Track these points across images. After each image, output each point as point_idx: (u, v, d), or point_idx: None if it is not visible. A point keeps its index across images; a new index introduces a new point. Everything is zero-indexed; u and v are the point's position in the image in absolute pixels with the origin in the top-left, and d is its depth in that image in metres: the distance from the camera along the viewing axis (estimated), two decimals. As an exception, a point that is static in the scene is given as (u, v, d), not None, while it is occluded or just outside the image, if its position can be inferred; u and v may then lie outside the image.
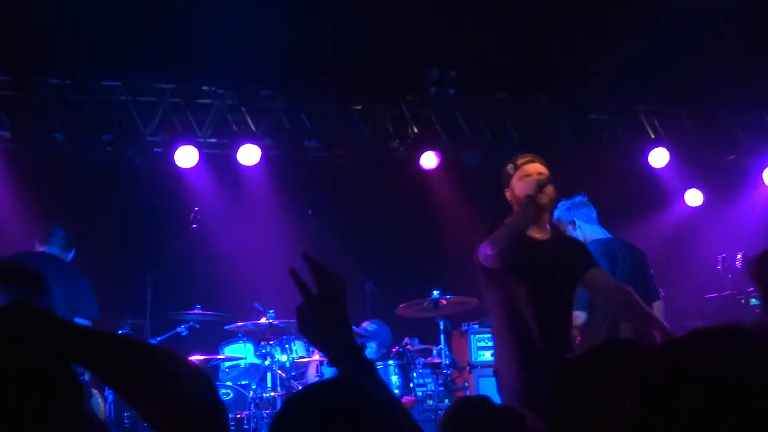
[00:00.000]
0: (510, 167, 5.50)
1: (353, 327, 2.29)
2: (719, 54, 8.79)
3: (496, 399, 4.75)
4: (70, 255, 7.36)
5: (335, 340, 2.14)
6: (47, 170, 9.14)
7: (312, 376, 8.27)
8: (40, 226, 7.46)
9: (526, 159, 5.53)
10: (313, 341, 2.23)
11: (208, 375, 1.85)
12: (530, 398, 4.91)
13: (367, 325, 8.81)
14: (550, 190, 5.42)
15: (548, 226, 5.55)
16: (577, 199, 7.01)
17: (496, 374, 5.47)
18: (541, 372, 5.15)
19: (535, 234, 5.44)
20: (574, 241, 5.91)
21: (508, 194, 5.49)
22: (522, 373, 5.26)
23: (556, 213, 6.94)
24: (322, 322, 2.15)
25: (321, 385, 2.07)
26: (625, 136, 10.38)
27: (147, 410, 1.73)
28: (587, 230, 6.91)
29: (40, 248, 7.26)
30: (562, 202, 6.97)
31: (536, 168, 5.47)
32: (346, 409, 1.90)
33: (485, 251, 5.23)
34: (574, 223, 6.94)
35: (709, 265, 9.23)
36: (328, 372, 8.30)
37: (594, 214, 7.01)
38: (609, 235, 6.96)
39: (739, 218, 10.53)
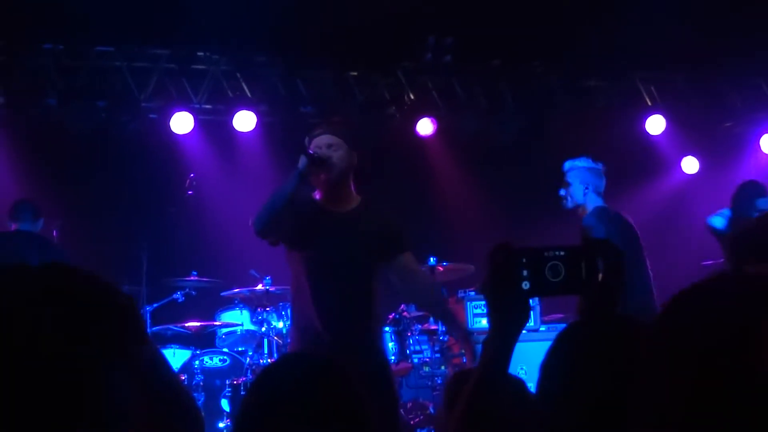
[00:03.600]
0: (307, 139, 5.11)
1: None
2: (717, 20, 8.74)
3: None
4: (40, 224, 7.57)
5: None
6: (42, 136, 9.11)
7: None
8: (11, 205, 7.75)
9: (318, 130, 5.10)
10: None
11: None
12: None
13: None
14: (340, 160, 5.00)
15: (355, 197, 5.15)
16: (599, 166, 6.67)
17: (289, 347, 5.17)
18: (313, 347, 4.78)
19: (332, 206, 5.08)
20: (386, 219, 5.19)
21: None
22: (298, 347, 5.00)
23: (569, 165, 6.68)
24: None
25: (296, 355, 2.05)
26: (621, 103, 10.35)
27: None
28: (592, 200, 6.69)
29: (12, 227, 7.49)
30: (585, 159, 6.69)
31: (325, 141, 5.03)
32: (318, 380, 1.88)
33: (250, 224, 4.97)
34: (588, 188, 6.59)
35: (706, 233, 9.22)
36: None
37: (603, 187, 6.76)
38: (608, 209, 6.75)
39: (735, 185, 10.51)
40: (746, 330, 1.23)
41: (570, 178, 6.66)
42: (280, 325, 8.19)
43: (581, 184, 6.61)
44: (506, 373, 1.97)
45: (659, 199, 10.59)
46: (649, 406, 1.30)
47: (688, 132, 10.36)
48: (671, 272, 9.49)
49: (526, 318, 2.01)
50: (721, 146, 10.58)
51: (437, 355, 8.00)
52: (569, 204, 6.66)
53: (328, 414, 1.84)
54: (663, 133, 10.26)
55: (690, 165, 10.67)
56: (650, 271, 6.68)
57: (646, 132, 10.24)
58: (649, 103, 10.37)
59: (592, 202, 6.61)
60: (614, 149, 10.13)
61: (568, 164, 6.67)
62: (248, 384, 7.66)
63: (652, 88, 10.42)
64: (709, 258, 8.94)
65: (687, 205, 10.46)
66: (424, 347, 8.13)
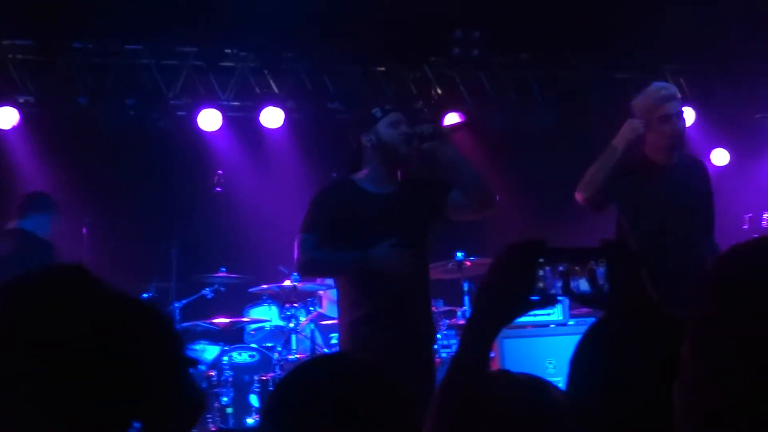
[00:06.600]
0: (377, 111, 5.09)
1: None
2: (746, 10, 8.67)
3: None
4: (50, 217, 7.32)
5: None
6: (72, 134, 9.17)
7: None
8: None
9: (395, 106, 5.19)
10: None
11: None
12: None
13: None
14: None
15: (399, 176, 5.10)
16: None
17: (339, 343, 5.10)
18: (371, 340, 4.75)
19: (375, 188, 5.05)
20: (424, 183, 5.20)
21: (363, 138, 5.07)
22: (352, 341, 4.90)
23: None
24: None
25: (327, 357, 2.02)
26: (651, 95, 10.27)
27: None
28: None
29: (10, 225, 7.21)
30: None
31: (403, 119, 5.09)
32: (346, 384, 1.85)
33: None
34: None
35: (736, 225, 9.15)
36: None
37: None
38: None
39: (766, 177, 10.43)
40: None
41: None
42: (308, 320, 8.21)
43: None
44: (485, 365, 1.89)
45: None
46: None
47: (717, 124, 10.28)
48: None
49: (513, 318, 1.93)
50: (751, 138, 10.49)
51: (466, 349, 7.97)
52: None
53: (357, 416, 1.81)
54: (692, 125, 10.18)
55: (720, 157, 10.57)
56: None
57: (676, 124, 10.16)
58: (679, 96, 10.28)
59: None
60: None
61: None
62: (276, 380, 7.68)
63: (682, 80, 10.34)
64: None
65: (717, 197, 10.36)
66: (452, 342, 8.11)
